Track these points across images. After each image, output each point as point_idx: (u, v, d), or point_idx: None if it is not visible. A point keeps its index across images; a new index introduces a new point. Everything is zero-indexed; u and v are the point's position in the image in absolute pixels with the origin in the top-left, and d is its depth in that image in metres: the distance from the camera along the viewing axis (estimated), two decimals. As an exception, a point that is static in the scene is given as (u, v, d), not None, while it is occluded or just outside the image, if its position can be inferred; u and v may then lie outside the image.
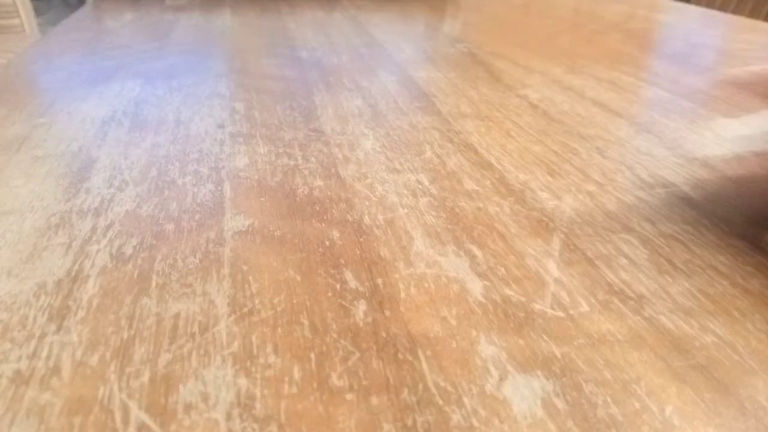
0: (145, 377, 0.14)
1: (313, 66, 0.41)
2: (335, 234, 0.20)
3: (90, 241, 0.19)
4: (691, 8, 0.72)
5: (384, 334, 0.15)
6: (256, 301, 0.16)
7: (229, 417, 0.13)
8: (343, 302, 0.16)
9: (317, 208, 0.22)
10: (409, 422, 0.13)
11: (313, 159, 0.26)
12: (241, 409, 0.13)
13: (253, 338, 0.15)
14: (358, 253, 0.19)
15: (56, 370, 0.14)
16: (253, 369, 0.14)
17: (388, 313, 0.16)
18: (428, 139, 0.28)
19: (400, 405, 0.13)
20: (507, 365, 0.14)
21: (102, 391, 0.13)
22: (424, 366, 0.14)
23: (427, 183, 0.24)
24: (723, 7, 1.02)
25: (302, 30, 0.54)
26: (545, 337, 0.15)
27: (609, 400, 0.13)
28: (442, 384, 0.14)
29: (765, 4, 0.95)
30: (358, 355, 0.14)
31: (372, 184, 0.24)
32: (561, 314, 0.16)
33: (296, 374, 0.14)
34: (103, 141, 0.27)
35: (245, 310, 0.16)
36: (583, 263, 0.19)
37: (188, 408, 0.13)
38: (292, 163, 0.25)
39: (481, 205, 0.22)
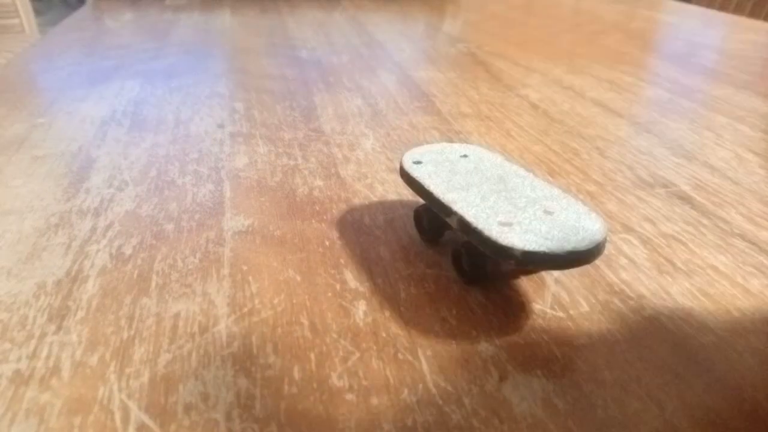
0: (145, 377, 0.14)
1: (313, 66, 0.41)
2: (335, 234, 0.20)
3: (89, 241, 0.19)
4: (692, 8, 0.72)
5: (384, 334, 0.15)
6: (256, 301, 0.16)
7: (229, 417, 0.13)
8: (343, 302, 0.16)
9: (317, 208, 0.22)
10: (409, 422, 0.13)
11: (313, 159, 0.26)
12: (241, 409, 0.13)
13: (253, 338, 0.15)
14: (358, 253, 0.19)
15: (56, 370, 0.14)
16: (253, 369, 0.14)
17: (387, 313, 0.16)
18: (428, 138, 0.28)
19: (400, 405, 0.13)
20: (507, 365, 0.14)
21: (102, 391, 0.13)
22: (424, 366, 0.14)
23: (427, 183, 0.24)
24: (723, 7, 1.02)
25: (302, 30, 0.54)
26: (545, 337, 0.15)
27: (609, 400, 0.13)
28: (442, 384, 0.14)
29: (765, 4, 0.96)
30: (358, 355, 0.14)
31: (372, 184, 0.24)
32: (561, 314, 0.16)
33: (296, 374, 0.14)
34: (102, 141, 0.27)
35: (245, 310, 0.16)
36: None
37: (188, 408, 0.13)
38: (292, 163, 0.25)
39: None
